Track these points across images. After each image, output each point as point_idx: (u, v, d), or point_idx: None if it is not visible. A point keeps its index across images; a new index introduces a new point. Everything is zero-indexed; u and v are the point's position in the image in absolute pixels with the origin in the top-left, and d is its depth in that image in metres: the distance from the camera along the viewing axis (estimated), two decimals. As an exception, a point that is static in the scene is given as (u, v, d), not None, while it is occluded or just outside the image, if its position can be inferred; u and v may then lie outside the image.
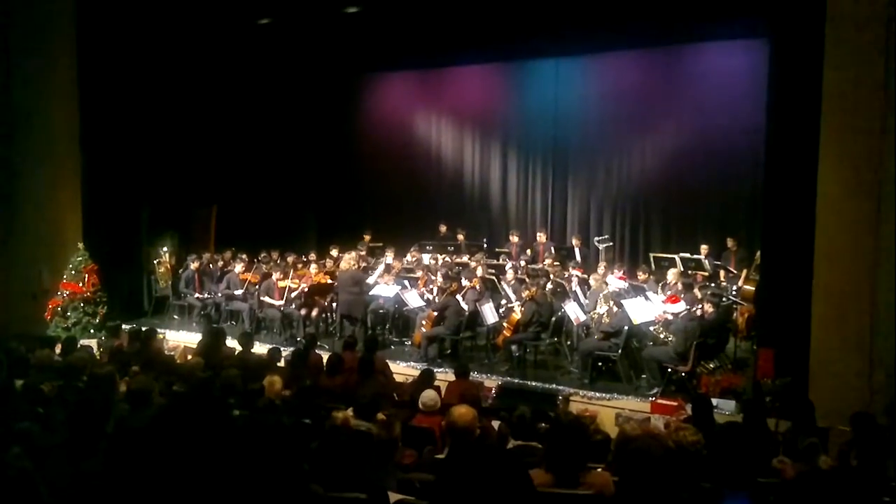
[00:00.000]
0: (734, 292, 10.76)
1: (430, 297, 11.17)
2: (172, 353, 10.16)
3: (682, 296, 9.99)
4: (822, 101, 7.87)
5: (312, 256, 13.41)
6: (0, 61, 11.65)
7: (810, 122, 7.96)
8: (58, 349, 8.61)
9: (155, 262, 13.38)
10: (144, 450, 2.72)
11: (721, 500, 2.64)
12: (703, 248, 12.13)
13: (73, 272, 11.72)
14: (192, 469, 2.61)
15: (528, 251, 13.59)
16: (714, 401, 7.42)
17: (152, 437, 2.83)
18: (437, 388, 7.68)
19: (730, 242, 12.14)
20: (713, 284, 10.94)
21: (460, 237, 14.23)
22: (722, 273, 11.68)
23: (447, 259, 13.20)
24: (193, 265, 12.78)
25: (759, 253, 10.11)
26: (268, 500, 2.31)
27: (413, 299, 11.04)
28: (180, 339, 11.59)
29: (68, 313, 11.55)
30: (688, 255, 11.78)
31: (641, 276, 11.29)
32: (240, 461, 2.53)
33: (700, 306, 9.35)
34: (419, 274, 12.02)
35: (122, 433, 2.95)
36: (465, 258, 13.23)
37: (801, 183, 8.12)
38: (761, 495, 2.71)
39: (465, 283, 10.89)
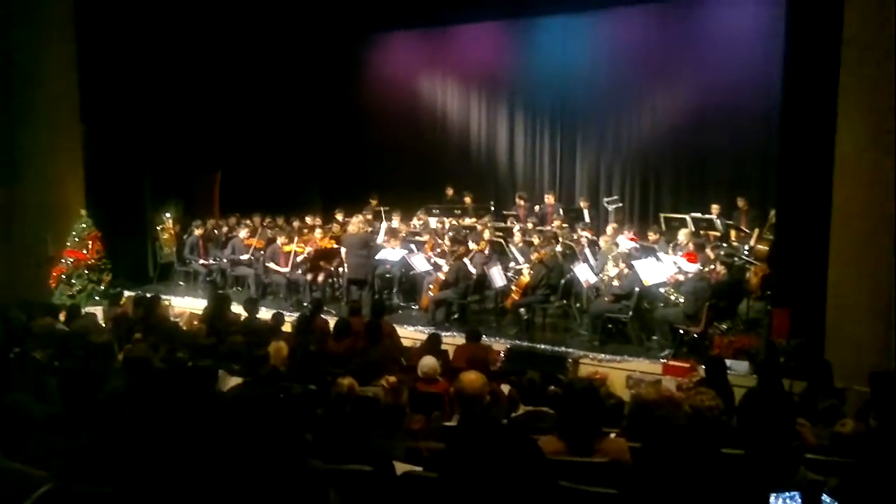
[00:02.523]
0: (746, 252, 10.57)
1: (437, 260, 11.01)
2: (178, 320, 10.09)
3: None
4: (841, 51, 7.57)
5: (318, 221, 13.25)
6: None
7: (829, 74, 7.66)
8: (62, 317, 8.50)
9: (158, 228, 13.29)
10: (125, 421, 2.58)
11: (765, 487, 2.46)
12: (714, 207, 11.91)
13: (76, 239, 11.60)
14: (174, 444, 2.47)
15: (536, 212, 13.38)
16: (727, 361, 7.28)
17: (134, 408, 2.69)
18: (445, 353, 7.58)
19: (740, 202, 11.93)
20: (724, 244, 10.75)
21: (467, 200, 14.02)
22: (733, 233, 11.47)
23: (454, 222, 13.02)
24: (198, 231, 12.65)
25: (773, 212, 9.90)
26: (260, 477, 2.16)
27: (420, 263, 10.89)
28: (186, 305, 11.52)
29: (73, 280, 11.45)
30: (699, 214, 11.57)
31: (652, 236, 11.12)
32: (229, 435, 2.39)
33: (711, 266, 9.18)
34: (426, 238, 11.85)
35: (108, 404, 2.82)
36: (471, 221, 13.04)
37: (819, 138, 7.85)
38: (811, 489, 2.52)
39: (472, 246, 10.73)
